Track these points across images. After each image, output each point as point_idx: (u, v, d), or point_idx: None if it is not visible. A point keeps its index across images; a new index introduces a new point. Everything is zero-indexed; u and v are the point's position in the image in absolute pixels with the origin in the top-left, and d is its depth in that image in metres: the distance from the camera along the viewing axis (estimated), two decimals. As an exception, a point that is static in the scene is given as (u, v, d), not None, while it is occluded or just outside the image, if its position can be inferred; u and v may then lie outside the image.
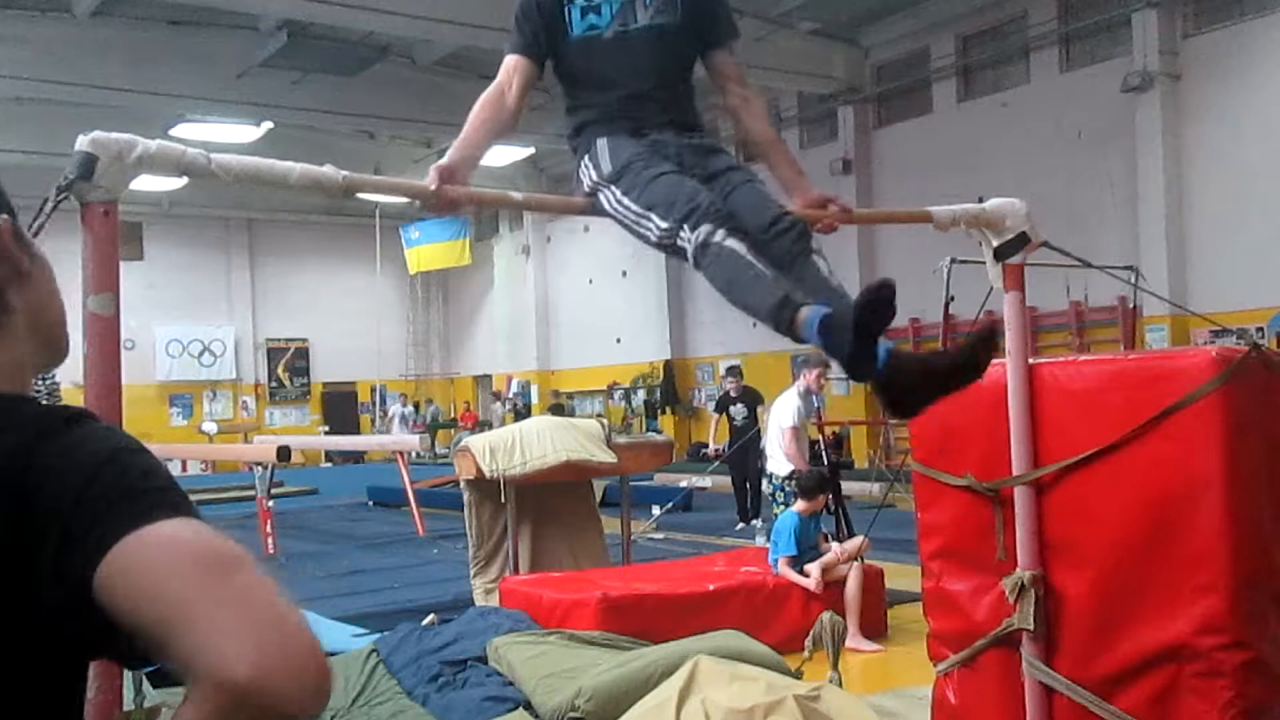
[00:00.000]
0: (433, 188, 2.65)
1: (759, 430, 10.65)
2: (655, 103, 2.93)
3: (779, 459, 7.73)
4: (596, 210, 2.89)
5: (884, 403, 2.46)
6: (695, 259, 2.60)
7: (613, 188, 2.82)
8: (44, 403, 1.04)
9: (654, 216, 2.69)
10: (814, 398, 8.64)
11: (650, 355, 23.29)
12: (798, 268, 2.63)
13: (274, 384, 28.87)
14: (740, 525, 11.89)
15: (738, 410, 12.21)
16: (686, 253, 2.63)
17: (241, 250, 28.19)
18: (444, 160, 2.73)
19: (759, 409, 11.86)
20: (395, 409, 25.45)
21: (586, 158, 2.90)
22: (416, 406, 28.56)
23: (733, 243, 2.56)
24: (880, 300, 2.31)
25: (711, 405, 22.81)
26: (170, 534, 0.91)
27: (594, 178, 2.88)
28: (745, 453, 11.57)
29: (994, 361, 3.59)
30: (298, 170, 2.51)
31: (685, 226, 2.62)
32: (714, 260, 2.57)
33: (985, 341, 2.44)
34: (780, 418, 7.83)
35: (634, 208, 2.75)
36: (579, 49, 2.91)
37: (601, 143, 2.87)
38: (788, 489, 7.56)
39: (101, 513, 0.92)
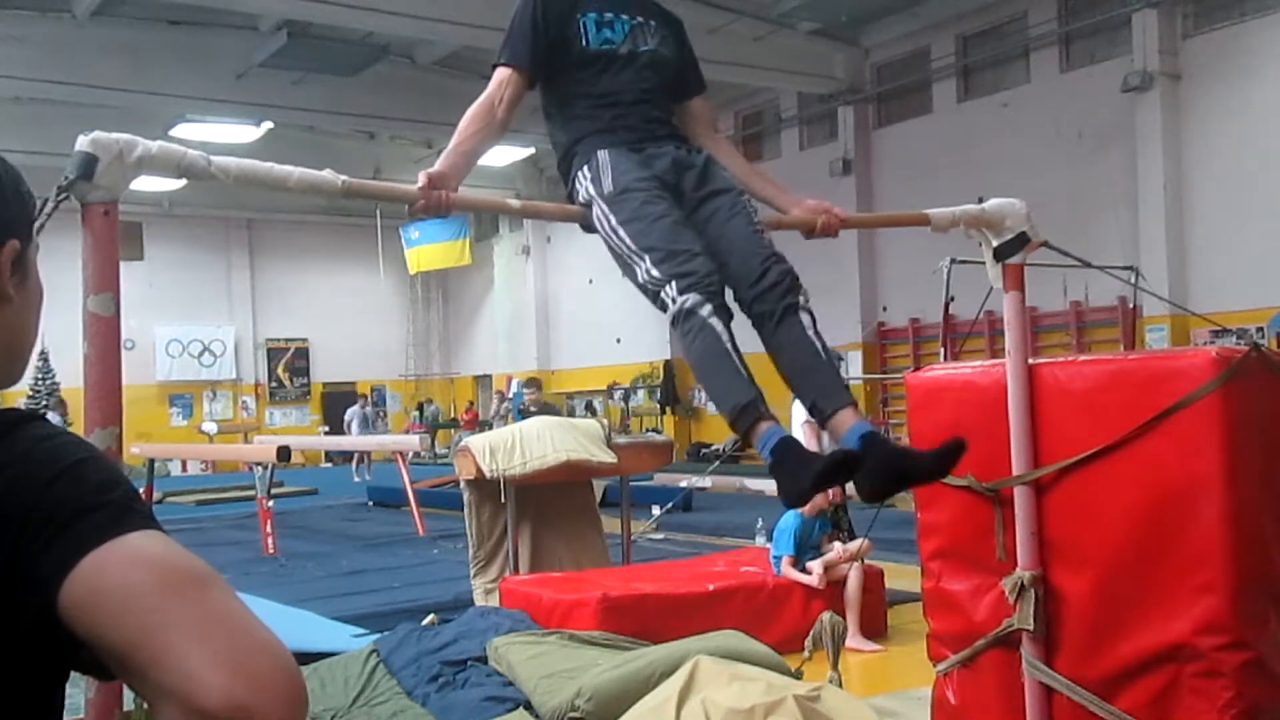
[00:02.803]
0: (421, 203, 2.65)
1: None
2: (657, 114, 2.96)
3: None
4: (589, 226, 2.86)
5: (854, 482, 2.55)
6: (673, 320, 2.63)
7: (609, 210, 2.79)
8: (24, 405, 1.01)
9: (647, 261, 2.69)
10: None
11: (650, 355, 23.30)
12: (783, 327, 2.68)
13: (274, 384, 28.89)
14: None
15: None
16: (667, 309, 2.65)
17: (241, 250, 28.21)
18: (434, 168, 2.71)
19: None
20: (352, 411, 25.29)
21: (585, 168, 2.86)
22: (420, 407, 28.54)
23: (715, 322, 2.59)
24: (845, 469, 2.45)
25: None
26: (133, 551, 0.88)
27: (591, 192, 2.84)
28: None
29: (995, 362, 3.63)
30: (297, 174, 2.50)
31: (673, 286, 2.63)
32: (693, 334, 2.60)
33: (955, 452, 2.56)
34: (796, 414, 7.76)
35: (629, 242, 2.74)
36: (592, 61, 2.89)
37: (603, 155, 2.83)
38: None
39: (60, 529, 0.88)
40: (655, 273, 2.66)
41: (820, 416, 2.66)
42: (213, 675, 0.82)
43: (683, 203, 2.84)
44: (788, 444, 2.50)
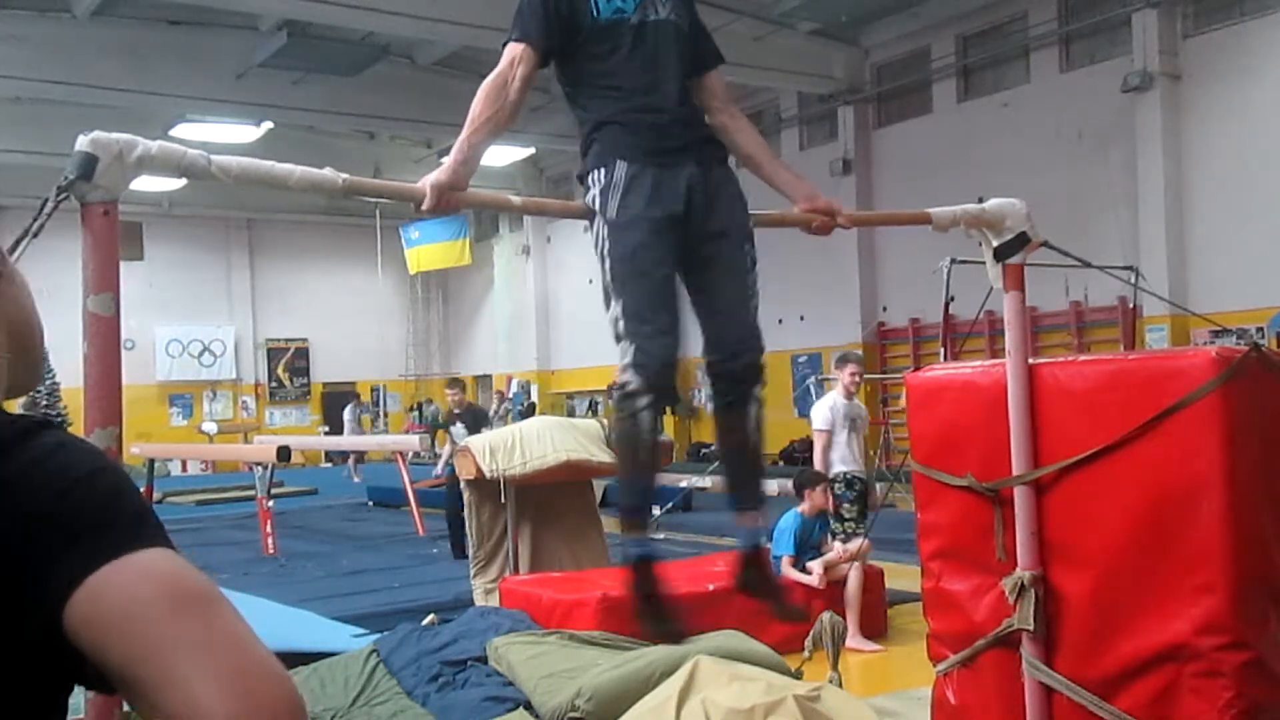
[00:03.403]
0: (429, 205, 2.65)
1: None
2: (678, 113, 2.90)
3: (823, 461, 7.60)
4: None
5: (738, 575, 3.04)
6: (611, 388, 2.74)
7: (607, 234, 2.80)
8: (18, 410, 1.00)
9: (618, 309, 2.78)
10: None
11: (650, 355, 23.28)
12: (733, 412, 2.90)
13: (274, 384, 28.87)
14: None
15: (458, 431, 10.12)
16: (618, 360, 2.78)
17: (241, 250, 28.19)
18: (443, 176, 2.66)
19: (482, 430, 9.66)
20: (347, 410, 25.27)
21: (601, 172, 2.83)
22: (419, 407, 28.50)
23: (646, 417, 2.75)
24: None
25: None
26: (142, 569, 0.88)
27: (596, 204, 2.83)
28: (456, 479, 8.89)
29: (995, 362, 3.62)
30: (298, 172, 2.50)
31: (631, 353, 2.75)
32: (623, 418, 2.77)
33: (795, 617, 3.53)
34: (815, 420, 7.69)
35: (609, 279, 2.81)
36: (604, 33, 2.84)
37: (621, 169, 2.80)
38: (839, 491, 7.39)
39: (70, 542, 0.88)
40: (622, 325, 2.78)
41: (733, 509, 3.04)
42: (217, 700, 0.82)
43: (687, 235, 2.84)
44: (646, 570, 2.81)
